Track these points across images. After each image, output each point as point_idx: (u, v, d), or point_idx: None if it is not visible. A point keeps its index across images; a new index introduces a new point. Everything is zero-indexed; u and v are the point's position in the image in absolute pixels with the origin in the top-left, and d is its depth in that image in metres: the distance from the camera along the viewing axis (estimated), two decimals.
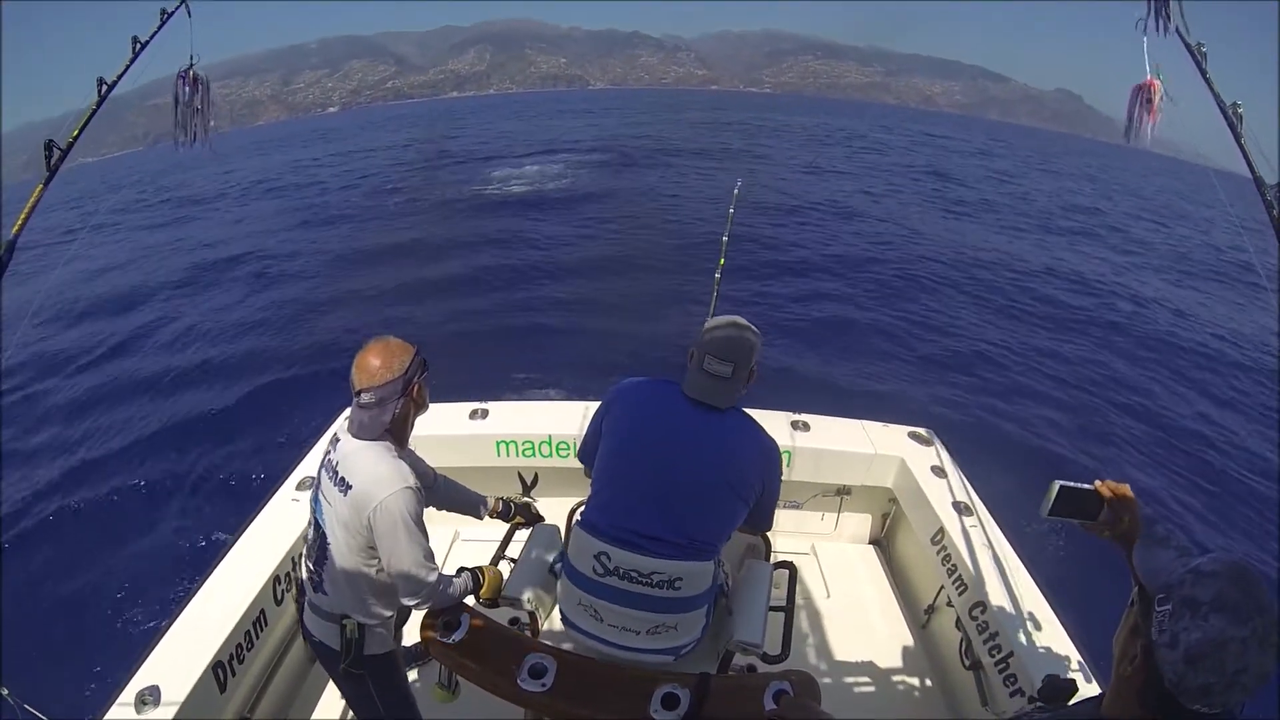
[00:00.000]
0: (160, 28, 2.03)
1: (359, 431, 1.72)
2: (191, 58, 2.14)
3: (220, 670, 2.09)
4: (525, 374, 7.48)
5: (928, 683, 2.69)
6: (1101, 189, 34.03)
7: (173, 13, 2.05)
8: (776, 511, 1.98)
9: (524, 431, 3.20)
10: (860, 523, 3.48)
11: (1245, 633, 0.79)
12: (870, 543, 3.49)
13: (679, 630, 1.77)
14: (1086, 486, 1.18)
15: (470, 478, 2.31)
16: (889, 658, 2.78)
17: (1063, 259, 15.01)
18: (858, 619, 2.96)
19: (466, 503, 2.24)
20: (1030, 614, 2.33)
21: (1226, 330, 11.46)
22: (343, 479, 1.71)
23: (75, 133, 1.81)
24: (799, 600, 2.33)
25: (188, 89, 2.15)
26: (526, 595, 1.98)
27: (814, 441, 3.20)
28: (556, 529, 2.27)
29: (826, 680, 2.61)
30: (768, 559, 2.28)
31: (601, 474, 1.83)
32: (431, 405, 1.87)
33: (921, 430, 3.39)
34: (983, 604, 2.43)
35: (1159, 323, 11.43)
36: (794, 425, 3.27)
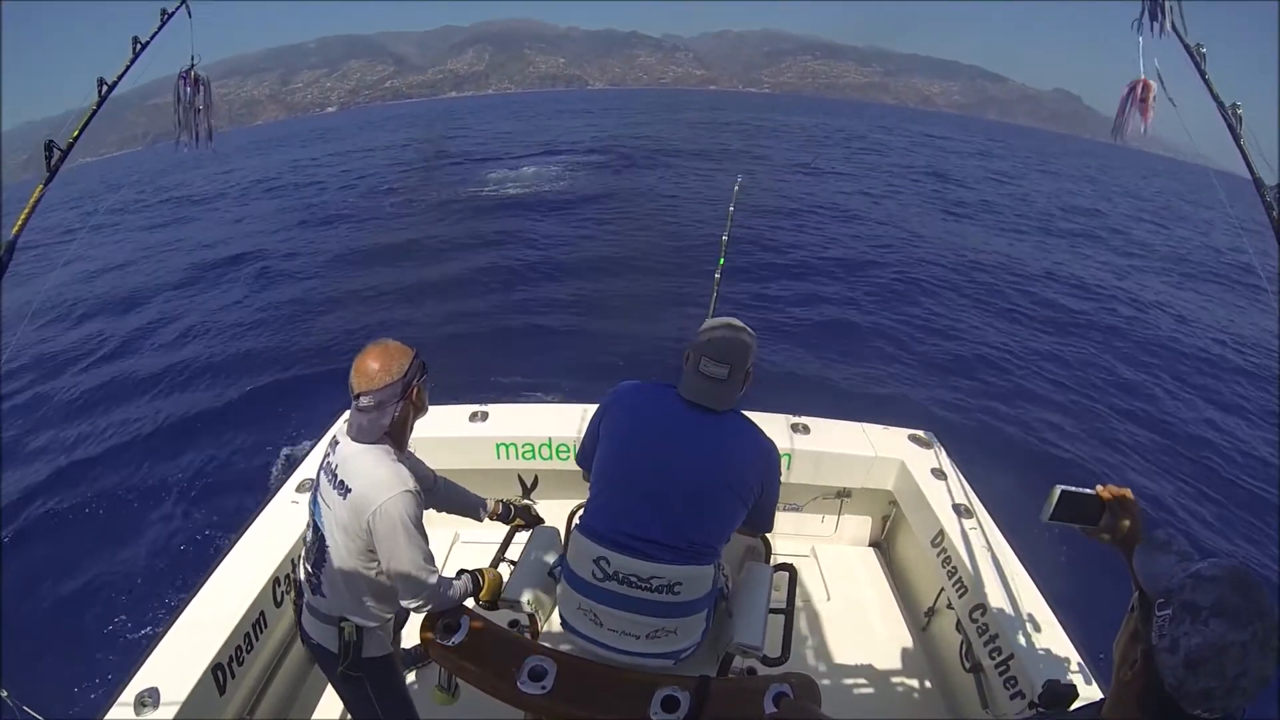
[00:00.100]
0: (160, 28, 2.02)
1: (358, 435, 1.72)
2: (193, 58, 2.14)
3: (220, 672, 2.08)
4: (525, 376, 7.48)
5: (928, 685, 2.68)
6: (1101, 190, 34.06)
7: (173, 13, 2.05)
8: (776, 514, 1.98)
9: (524, 434, 3.19)
10: (860, 525, 3.48)
11: (1246, 637, 0.79)
12: (870, 545, 3.48)
13: (679, 635, 1.77)
14: (1087, 491, 1.18)
15: (470, 480, 2.31)
16: (889, 660, 2.78)
17: (1063, 261, 15.01)
18: (858, 621, 2.95)
19: (466, 505, 2.23)
20: (1030, 616, 2.32)
21: (1227, 334, 11.46)
22: (342, 482, 1.70)
23: (75, 133, 1.80)
24: (799, 603, 2.33)
25: (189, 89, 2.14)
26: (526, 597, 1.98)
27: (814, 444, 3.20)
28: (556, 531, 2.27)
29: (826, 683, 2.60)
30: (768, 561, 2.28)
31: (600, 478, 1.83)
32: (431, 407, 1.87)
33: (921, 433, 3.38)
34: (983, 606, 2.43)
35: (1160, 327, 11.42)
36: (794, 428, 3.27)
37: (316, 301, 10.97)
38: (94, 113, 1.85)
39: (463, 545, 3.27)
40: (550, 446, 3.18)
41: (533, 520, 2.34)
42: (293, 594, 1.96)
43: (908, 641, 2.87)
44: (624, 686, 1.67)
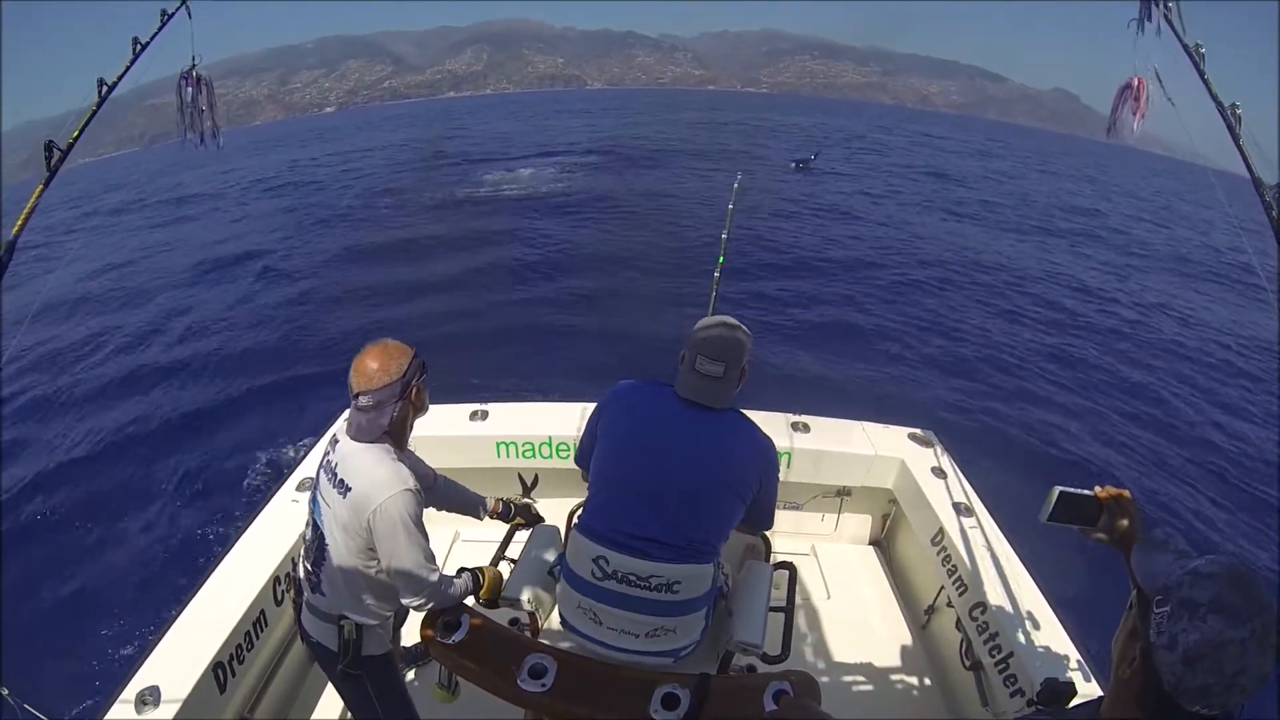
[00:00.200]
0: (160, 28, 2.02)
1: (357, 434, 1.72)
2: (194, 58, 2.14)
3: (220, 671, 2.08)
4: (525, 376, 7.49)
5: (928, 683, 2.69)
6: (1101, 190, 34.09)
7: (173, 13, 2.05)
8: (776, 512, 1.98)
9: (524, 432, 3.19)
10: (860, 524, 3.48)
11: (1244, 634, 0.79)
12: (870, 543, 3.48)
13: (678, 633, 1.77)
14: (1086, 492, 1.17)
15: (470, 478, 2.31)
16: (889, 658, 2.78)
17: (1063, 261, 15.04)
18: (858, 620, 2.95)
19: (466, 503, 2.23)
20: (1030, 614, 2.33)
21: (1227, 334, 11.47)
22: (342, 481, 1.70)
23: (75, 133, 1.80)
24: (799, 601, 2.33)
25: (191, 89, 2.15)
26: (526, 596, 1.98)
27: (814, 443, 3.20)
28: (556, 530, 2.27)
29: (826, 680, 2.60)
30: (768, 560, 2.28)
31: (598, 477, 1.83)
32: (431, 406, 1.87)
33: (921, 431, 3.38)
34: (983, 604, 2.43)
35: (1161, 329, 11.45)
36: (794, 426, 3.27)
37: (317, 301, 10.98)
38: (94, 113, 1.85)
39: (463, 544, 3.27)
40: (550, 445, 3.18)
41: (533, 519, 2.34)
42: (292, 592, 1.96)
43: (907, 640, 2.87)
44: (624, 684, 1.68)
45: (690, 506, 1.72)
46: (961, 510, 2.84)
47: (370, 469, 1.68)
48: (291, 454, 6.15)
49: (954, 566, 2.67)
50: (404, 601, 1.78)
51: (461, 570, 1.96)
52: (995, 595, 2.42)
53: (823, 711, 1.31)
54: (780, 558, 2.37)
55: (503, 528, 2.34)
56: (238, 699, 2.21)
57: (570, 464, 3.03)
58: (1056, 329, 10.54)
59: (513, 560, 2.17)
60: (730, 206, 3.51)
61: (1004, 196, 25.12)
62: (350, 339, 8.68)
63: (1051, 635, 2.25)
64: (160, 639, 2.09)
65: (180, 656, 2.03)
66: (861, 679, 2.68)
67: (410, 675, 2.56)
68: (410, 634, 2.15)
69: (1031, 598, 2.40)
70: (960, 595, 2.60)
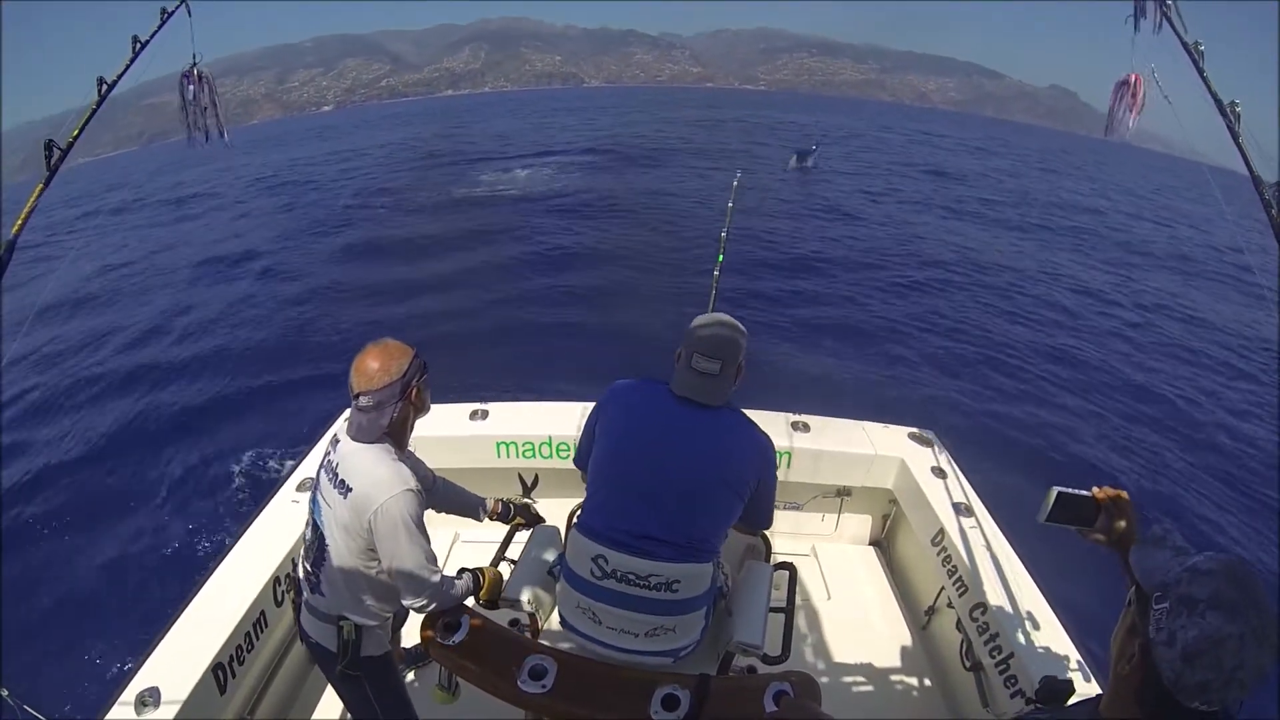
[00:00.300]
0: (160, 27, 2.02)
1: (358, 434, 1.72)
2: (194, 56, 2.14)
3: (220, 671, 2.08)
4: (524, 375, 7.48)
5: (928, 683, 2.69)
6: (1100, 188, 34.07)
7: (173, 12, 2.05)
8: (776, 513, 1.98)
9: (524, 432, 3.19)
10: (860, 524, 3.48)
11: (1242, 629, 0.80)
12: (870, 544, 3.48)
13: (677, 632, 1.77)
14: (1084, 493, 1.18)
15: (470, 479, 2.31)
16: (889, 659, 2.78)
17: (1063, 260, 15.03)
18: (858, 620, 2.95)
19: (466, 504, 2.23)
20: (1030, 614, 2.32)
21: (1227, 332, 11.46)
22: (342, 481, 1.70)
23: (75, 133, 1.80)
24: (799, 601, 2.33)
25: (192, 87, 2.14)
26: (526, 596, 1.98)
27: (814, 442, 3.19)
28: (556, 530, 2.27)
29: (826, 681, 2.60)
30: (768, 560, 2.28)
31: (597, 476, 1.83)
32: (432, 406, 1.87)
33: (921, 431, 3.38)
34: (983, 605, 2.43)
35: (1162, 329, 11.42)
36: (793, 426, 3.26)
37: (317, 301, 10.96)
38: (94, 112, 1.84)
39: (463, 545, 3.26)
40: (550, 445, 3.17)
41: (533, 519, 2.34)
42: (292, 593, 1.96)
43: (908, 640, 2.87)
44: (624, 685, 1.68)
45: (689, 505, 1.72)
46: (962, 510, 2.84)
47: (371, 469, 1.68)
48: (292, 453, 6.14)
49: (954, 567, 2.67)
50: (405, 602, 1.78)
51: (462, 571, 1.96)
52: (995, 596, 2.42)
53: (823, 712, 1.31)
54: (780, 558, 2.37)
55: (503, 528, 2.33)
56: (238, 700, 2.20)
57: (570, 464, 3.04)
58: (1057, 329, 10.54)
59: (513, 561, 2.17)
60: (730, 205, 3.51)
61: (1003, 194, 25.10)
62: (350, 339, 8.68)
63: (1052, 636, 2.25)
64: (161, 639, 2.09)
65: (180, 657, 2.03)
66: (862, 680, 2.68)
67: (410, 676, 2.56)
68: (410, 635, 2.15)
69: (1032, 598, 2.40)
70: (960, 596, 2.60)
